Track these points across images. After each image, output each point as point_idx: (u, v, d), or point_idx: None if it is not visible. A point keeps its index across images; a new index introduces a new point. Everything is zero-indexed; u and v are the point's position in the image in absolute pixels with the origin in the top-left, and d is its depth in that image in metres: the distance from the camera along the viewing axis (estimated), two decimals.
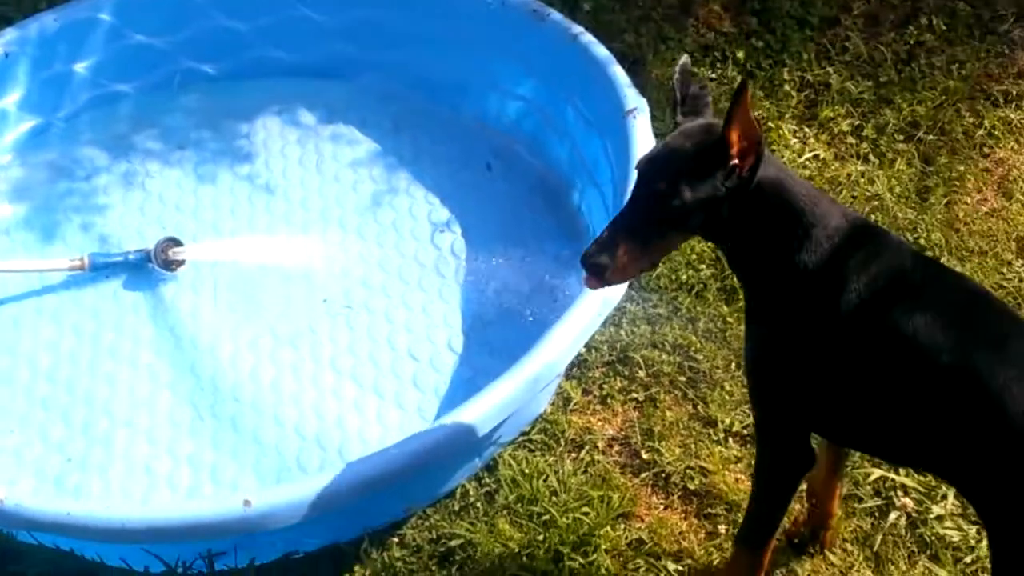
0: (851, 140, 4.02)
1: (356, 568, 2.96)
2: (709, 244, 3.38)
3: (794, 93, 4.17)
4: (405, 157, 4.11)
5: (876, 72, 4.25)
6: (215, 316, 3.63)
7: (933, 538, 2.91)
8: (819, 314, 2.27)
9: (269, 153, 4.16)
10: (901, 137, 4.01)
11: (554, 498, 3.02)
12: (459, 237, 3.81)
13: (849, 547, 2.91)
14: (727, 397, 3.24)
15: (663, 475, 3.11)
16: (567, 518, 2.96)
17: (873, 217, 3.69)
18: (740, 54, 4.31)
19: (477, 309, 3.59)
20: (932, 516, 2.94)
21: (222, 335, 3.57)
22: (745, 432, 3.15)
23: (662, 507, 3.05)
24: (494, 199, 3.94)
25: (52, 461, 3.29)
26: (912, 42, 4.35)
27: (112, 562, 2.94)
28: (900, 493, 2.98)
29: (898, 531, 2.93)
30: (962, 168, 3.89)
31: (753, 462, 2.69)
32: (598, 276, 2.23)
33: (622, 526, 2.99)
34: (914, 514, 2.95)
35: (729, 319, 3.42)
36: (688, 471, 3.10)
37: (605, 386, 3.32)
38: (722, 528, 2.97)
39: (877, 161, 3.93)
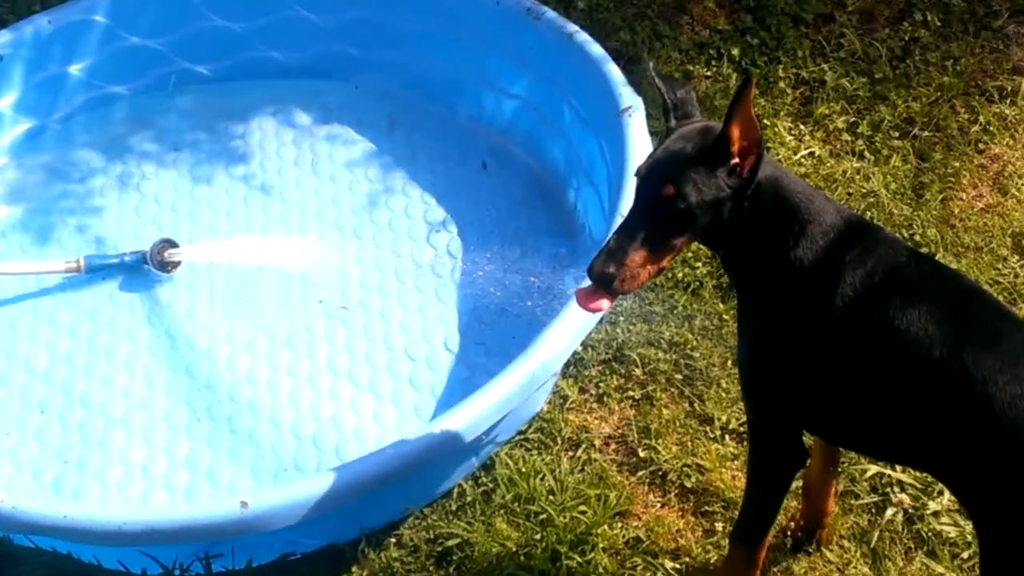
0: (846, 137, 4.02)
1: (354, 568, 2.96)
2: None
3: (789, 90, 4.17)
4: (401, 157, 4.11)
5: (871, 69, 4.25)
6: (211, 317, 3.64)
7: (930, 534, 2.91)
8: (814, 310, 2.27)
9: (264, 154, 4.16)
10: (896, 134, 4.01)
11: (551, 497, 3.02)
12: (455, 236, 3.82)
13: (846, 544, 2.91)
14: (723, 394, 3.25)
15: (660, 473, 3.11)
16: (564, 517, 2.96)
17: (869, 214, 3.69)
18: (735, 51, 4.31)
19: (473, 308, 3.60)
20: (929, 512, 2.94)
21: (218, 336, 3.57)
22: (741, 429, 3.15)
23: (659, 505, 3.05)
24: (490, 198, 3.95)
25: (49, 464, 3.29)
26: (907, 38, 4.35)
27: (109, 564, 2.94)
28: (897, 489, 2.99)
29: (895, 527, 2.93)
30: (957, 164, 3.89)
31: None
32: (606, 286, 2.20)
33: (619, 524, 2.99)
34: (911, 510, 2.96)
35: (725, 316, 3.43)
36: (685, 469, 3.10)
37: (602, 384, 3.33)
38: (719, 526, 2.97)
39: (872, 158, 3.93)
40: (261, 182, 4.05)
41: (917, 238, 3.63)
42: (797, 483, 2.87)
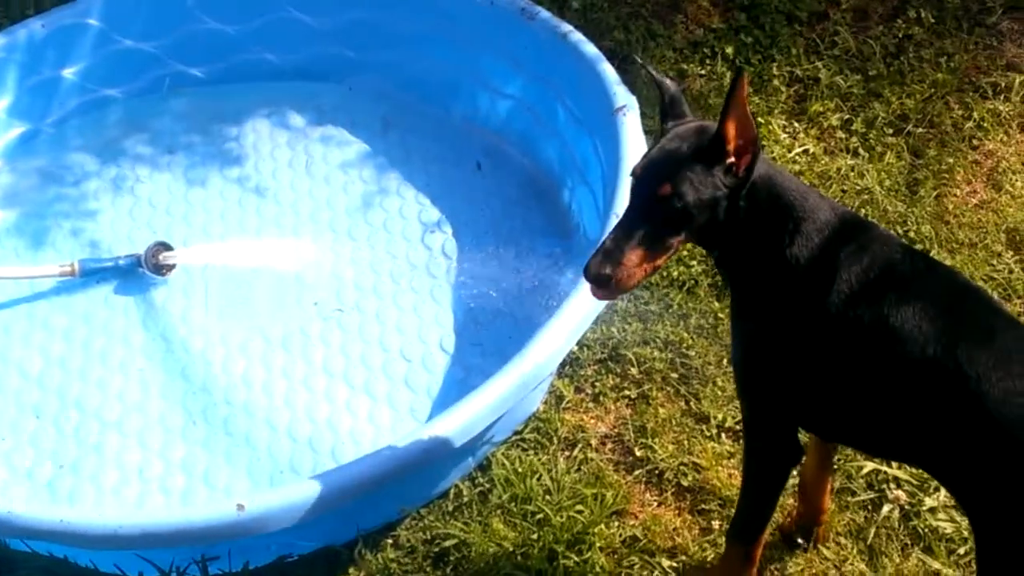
0: (840, 134, 4.02)
1: (351, 570, 2.96)
2: None
3: (783, 88, 4.17)
4: (395, 158, 4.11)
5: (865, 66, 4.25)
6: (206, 320, 3.63)
7: (926, 530, 2.91)
8: (809, 308, 2.27)
9: (259, 156, 4.16)
10: (890, 130, 4.01)
11: (548, 497, 3.02)
12: (450, 237, 3.81)
13: (843, 540, 2.91)
14: (719, 393, 3.24)
15: (656, 472, 3.11)
16: (561, 517, 2.95)
17: (863, 211, 3.70)
18: (729, 50, 4.32)
19: (468, 309, 3.59)
20: (925, 508, 2.94)
21: (213, 339, 3.57)
22: (737, 427, 3.15)
23: (656, 504, 3.05)
24: (485, 198, 3.95)
25: (44, 468, 3.28)
26: (900, 35, 4.35)
27: (106, 568, 2.93)
28: (893, 486, 2.99)
29: (891, 524, 2.93)
30: (951, 160, 3.89)
31: None
32: (604, 287, 2.22)
33: (616, 524, 2.99)
34: (907, 507, 2.95)
35: (720, 315, 3.42)
36: (681, 467, 3.10)
37: (597, 384, 3.32)
38: (715, 524, 2.97)
39: (867, 155, 3.93)
40: (255, 184, 4.05)
41: (911, 234, 3.63)
42: (793, 481, 2.87)
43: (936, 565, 2.84)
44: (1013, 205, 3.75)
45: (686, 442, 3.15)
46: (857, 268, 2.25)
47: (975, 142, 3.98)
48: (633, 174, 2.25)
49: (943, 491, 2.92)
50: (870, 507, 2.97)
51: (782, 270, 2.28)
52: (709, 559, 2.90)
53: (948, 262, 3.49)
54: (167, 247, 3.74)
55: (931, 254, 3.49)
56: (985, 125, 4.01)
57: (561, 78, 3.89)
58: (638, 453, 3.15)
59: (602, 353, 3.39)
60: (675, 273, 3.54)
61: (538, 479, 3.06)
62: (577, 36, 3.84)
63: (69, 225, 3.95)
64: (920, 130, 4.00)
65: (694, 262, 3.56)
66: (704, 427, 3.19)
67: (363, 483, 2.78)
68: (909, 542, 2.90)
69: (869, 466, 3.01)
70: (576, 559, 2.88)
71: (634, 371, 3.33)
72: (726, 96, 2.11)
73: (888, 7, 4.48)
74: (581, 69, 3.77)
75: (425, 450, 2.81)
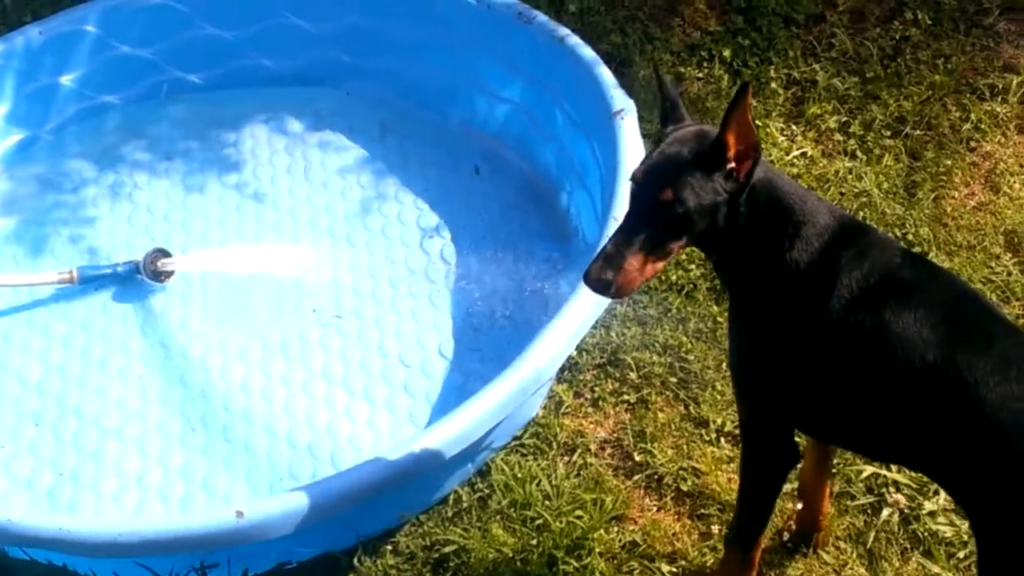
0: (838, 137, 4.02)
1: None
2: None
3: (781, 91, 4.18)
4: (393, 163, 4.11)
5: (862, 68, 4.25)
6: (205, 327, 3.63)
7: (926, 534, 2.91)
8: (810, 312, 2.27)
9: (257, 162, 4.16)
10: (888, 133, 4.01)
11: (547, 502, 3.02)
12: (448, 242, 3.81)
13: (842, 545, 2.91)
14: (718, 397, 3.24)
15: (656, 477, 3.11)
16: (560, 522, 2.95)
17: (861, 213, 3.69)
18: (726, 53, 4.31)
19: (467, 314, 3.59)
20: (924, 512, 2.94)
21: (212, 345, 3.57)
22: (736, 432, 3.14)
23: (655, 509, 3.05)
24: (483, 203, 3.95)
25: (43, 475, 3.28)
26: (897, 37, 4.35)
27: None
28: (892, 490, 2.98)
29: (891, 528, 2.93)
30: (949, 163, 3.89)
31: None
32: (604, 292, 2.22)
33: (615, 529, 2.99)
34: (907, 510, 2.95)
35: (719, 319, 3.42)
36: (681, 472, 3.10)
37: (596, 388, 3.32)
38: (715, 529, 2.97)
39: (864, 157, 3.93)
40: (254, 190, 4.05)
41: (910, 237, 3.63)
42: (792, 485, 2.87)
43: (936, 569, 2.84)
44: (1011, 207, 3.75)
45: (685, 447, 3.15)
46: (858, 273, 2.25)
47: (973, 144, 3.98)
48: (633, 179, 2.24)
49: (943, 495, 2.92)
50: (869, 511, 2.97)
51: (781, 274, 2.28)
52: (708, 564, 2.90)
53: (947, 264, 3.49)
54: (165, 254, 3.74)
55: (929, 257, 3.49)
56: (983, 127, 4.01)
57: (558, 82, 3.89)
58: (637, 458, 3.15)
59: (601, 358, 3.38)
60: (674, 277, 3.54)
61: (537, 484, 3.06)
62: (574, 40, 3.84)
63: (67, 232, 3.95)
64: (918, 132, 4.00)
65: (692, 266, 3.56)
66: (703, 431, 3.19)
67: (362, 489, 2.78)
68: (909, 546, 2.90)
69: (868, 470, 3.01)
70: (576, 565, 2.88)
71: (633, 375, 3.33)
72: (730, 105, 2.11)
73: (885, 9, 4.48)
74: (578, 73, 3.77)
75: (424, 456, 2.80)
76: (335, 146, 4.19)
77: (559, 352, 3.02)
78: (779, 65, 4.27)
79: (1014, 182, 3.83)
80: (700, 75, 4.27)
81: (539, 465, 3.12)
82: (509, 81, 4.09)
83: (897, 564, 2.87)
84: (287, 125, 4.28)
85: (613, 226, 3.11)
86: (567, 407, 3.27)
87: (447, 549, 2.96)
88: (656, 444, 3.16)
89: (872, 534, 2.92)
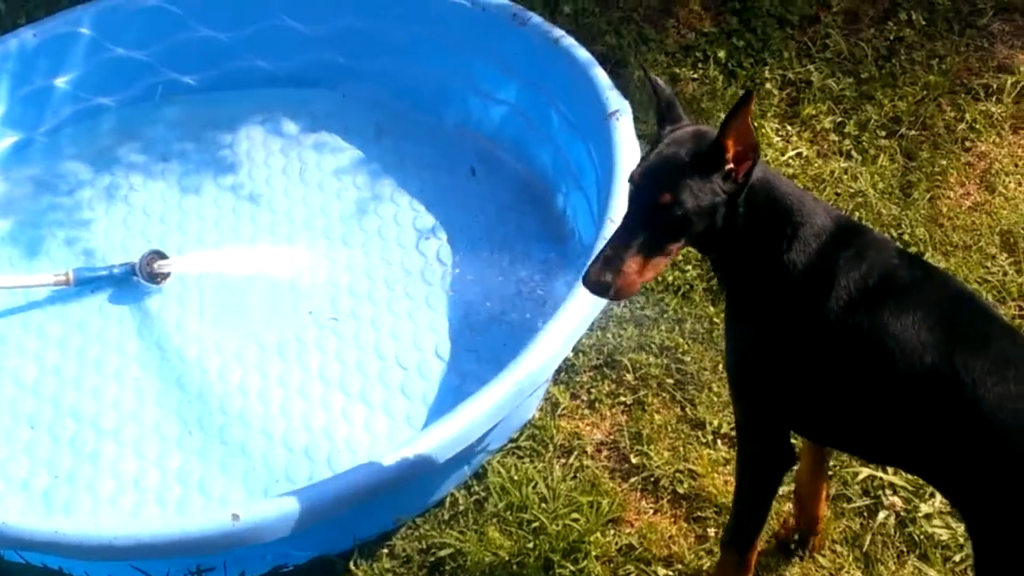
0: (833, 137, 4.02)
1: None
2: None
3: (776, 91, 4.18)
4: (389, 164, 4.11)
5: (857, 69, 4.26)
6: (201, 328, 3.63)
7: (922, 537, 2.91)
8: (808, 312, 2.27)
9: (252, 163, 4.16)
10: (883, 133, 4.02)
11: (543, 505, 3.02)
12: (444, 243, 3.82)
13: (838, 548, 2.91)
14: (715, 399, 3.24)
15: (652, 479, 3.11)
16: (557, 525, 2.95)
17: (857, 214, 3.70)
18: (721, 54, 4.32)
19: (464, 315, 3.59)
20: (921, 515, 2.94)
21: (208, 347, 3.57)
22: (733, 434, 3.14)
23: (652, 511, 3.05)
24: (479, 204, 3.95)
25: (39, 477, 3.28)
26: (892, 38, 4.36)
27: None
28: (888, 492, 2.99)
29: (887, 531, 2.93)
30: (944, 163, 3.90)
31: None
32: (603, 295, 2.22)
33: (612, 532, 2.98)
34: (903, 513, 2.95)
35: (716, 320, 3.42)
36: (677, 474, 3.10)
37: (593, 390, 3.32)
38: (711, 531, 2.97)
39: (860, 157, 3.94)
40: (249, 192, 4.05)
41: (906, 237, 3.64)
42: (788, 488, 2.87)
43: (932, 573, 2.84)
44: (1007, 207, 3.75)
45: (682, 449, 3.15)
46: (856, 274, 2.26)
47: (968, 144, 3.98)
48: (631, 181, 2.24)
49: (939, 497, 2.92)
50: (866, 514, 2.97)
51: (779, 275, 2.28)
52: (705, 567, 2.90)
53: (942, 265, 3.50)
54: (161, 255, 3.74)
55: (925, 257, 3.50)
56: (977, 127, 4.02)
57: (554, 83, 3.89)
58: (634, 460, 3.15)
59: (597, 359, 3.39)
60: (670, 278, 3.54)
61: (534, 487, 3.06)
62: (569, 41, 3.84)
63: (63, 234, 3.94)
64: (913, 132, 4.01)
65: (689, 267, 3.56)
66: (700, 433, 3.19)
67: (359, 492, 2.78)
68: (905, 549, 2.90)
69: (864, 472, 3.01)
70: (572, 568, 2.88)
71: (629, 377, 3.34)
72: (731, 111, 2.10)
73: (879, 9, 4.49)
74: (574, 74, 3.77)
75: (421, 459, 2.80)
76: (331, 147, 4.19)
77: (556, 353, 3.02)
78: (774, 66, 4.28)
79: (1009, 182, 3.84)
80: (695, 76, 4.28)
81: (535, 468, 3.12)
82: (504, 83, 4.09)
83: (893, 567, 2.87)
84: (283, 127, 4.28)
85: (610, 227, 3.13)
86: (563, 409, 3.28)
87: (443, 552, 2.96)
88: (652, 446, 3.16)
89: (868, 537, 2.92)
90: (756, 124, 4.00)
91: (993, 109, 4.08)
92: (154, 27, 4.28)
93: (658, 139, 2.28)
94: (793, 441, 2.54)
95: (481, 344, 3.51)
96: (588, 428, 3.25)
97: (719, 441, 3.17)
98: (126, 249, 3.85)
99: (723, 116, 2.16)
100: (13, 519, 2.77)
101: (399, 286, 3.70)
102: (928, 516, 2.93)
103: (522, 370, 2.93)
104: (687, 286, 3.53)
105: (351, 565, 2.94)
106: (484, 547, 2.94)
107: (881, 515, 2.95)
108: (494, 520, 3.01)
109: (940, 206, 3.78)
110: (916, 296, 2.25)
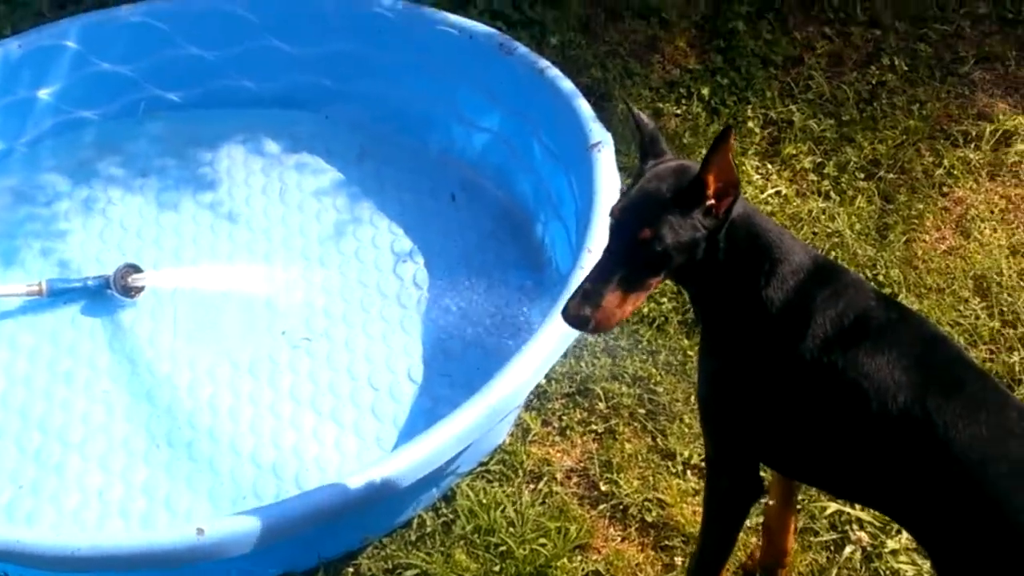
0: (813, 177, 4.05)
1: None
2: None
3: (757, 130, 4.21)
4: (369, 187, 4.11)
5: (838, 111, 4.30)
6: (174, 344, 3.61)
7: (888, 572, 2.91)
8: (782, 349, 2.27)
9: (232, 182, 4.15)
10: (862, 175, 4.05)
11: (511, 529, 3.00)
12: (422, 267, 3.81)
13: None
14: (686, 430, 3.24)
15: (621, 507, 3.10)
16: (524, 549, 2.94)
17: (833, 253, 3.72)
18: (705, 91, 4.35)
19: (438, 339, 3.59)
20: (887, 550, 2.94)
21: (180, 363, 3.55)
22: (703, 465, 3.13)
23: (619, 539, 3.04)
24: (458, 230, 3.95)
25: (3, 487, 3.24)
26: (874, 82, 4.41)
27: None
28: (856, 527, 2.99)
29: (853, 565, 2.93)
30: (921, 206, 3.93)
31: None
32: (582, 328, 2.21)
33: (579, 558, 2.97)
34: (869, 548, 2.95)
35: (690, 352, 3.43)
36: (646, 503, 3.09)
37: (564, 417, 3.32)
38: (679, 560, 2.96)
39: (838, 198, 3.96)
40: (228, 210, 4.04)
41: (880, 278, 3.66)
42: (756, 519, 2.87)
43: None
44: (981, 252, 3.78)
45: (651, 478, 3.15)
46: (832, 313, 2.26)
47: (945, 189, 4.02)
48: (612, 215, 2.23)
49: (905, 534, 2.92)
50: (832, 548, 2.97)
51: (756, 311, 2.28)
52: None
53: (916, 307, 3.51)
54: (136, 269, 3.73)
55: (899, 299, 3.51)
56: (955, 172, 4.06)
57: (538, 113, 3.91)
58: (603, 488, 3.14)
59: (570, 387, 3.38)
60: (645, 310, 3.55)
61: (502, 511, 3.05)
62: (554, 72, 3.86)
63: (39, 245, 3.93)
64: (891, 175, 4.04)
65: (664, 299, 3.57)
66: (670, 463, 3.18)
67: (325, 511, 2.76)
68: None
69: (832, 507, 3.01)
70: None
71: (602, 406, 3.33)
72: (711, 146, 2.11)
73: (862, 54, 4.54)
74: (557, 105, 3.79)
75: (389, 479, 2.79)
76: (312, 168, 4.19)
77: (528, 380, 3.02)
78: (756, 105, 4.31)
79: (984, 227, 3.87)
80: (678, 112, 4.31)
81: (504, 492, 3.11)
82: (488, 110, 4.11)
83: None
84: (264, 146, 4.28)
85: (588, 257, 3.14)
86: (535, 435, 3.27)
87: (409, 573, 2.95)
88: (622, 475, 3.15)
89: (835, 571, 2.91)
90: (737, 161, 4.02)
91: (971, 156, 4.12)
92: (140, 43, 4.28)
93: (640, 173, 2.28)
94: (762, 474, 2.54)
95: (455, 369, 3.50)
96: (559, 455, 3.24)
97: (688, 471, 3.16)
98: (101, 262, 3.84)
99: (705, 152, 2.18)
100: None
101: (375, 308, 3.70)
102: (894, 552, 2.93)
103: (494, 395, 2.92)
104: (662, 318, 3.54)
105: None
106: (450, 569, 2.92)
107: (848, 549, 2.95)
108: (461, 542, 3.00)
109: (915, 249, 3.80)
110: (891, 337, 2.26)
